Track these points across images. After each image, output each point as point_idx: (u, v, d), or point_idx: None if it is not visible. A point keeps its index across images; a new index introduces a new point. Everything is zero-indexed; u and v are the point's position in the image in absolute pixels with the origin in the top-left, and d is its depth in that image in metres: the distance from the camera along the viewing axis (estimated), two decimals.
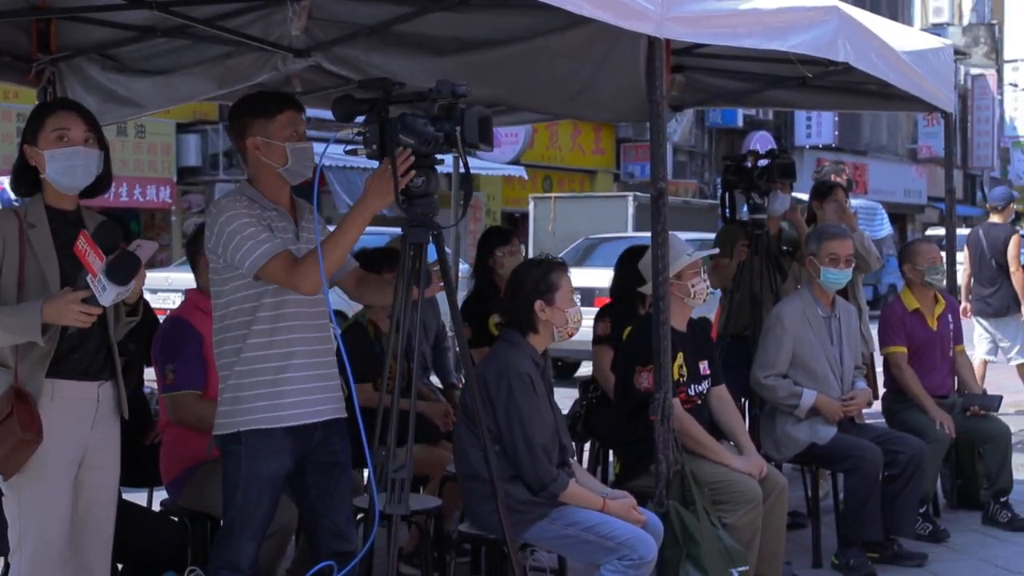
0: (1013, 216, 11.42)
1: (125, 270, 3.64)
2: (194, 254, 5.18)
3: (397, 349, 3.93)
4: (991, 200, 11.56)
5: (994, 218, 11.15)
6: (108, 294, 3.64)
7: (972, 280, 11.28)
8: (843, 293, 6.70)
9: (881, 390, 7.23)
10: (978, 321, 11.22)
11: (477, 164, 21.39)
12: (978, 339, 11.31)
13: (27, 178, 3.94)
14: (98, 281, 3.62)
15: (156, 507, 5.44)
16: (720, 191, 7.48)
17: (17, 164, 3.96)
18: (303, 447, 4.07)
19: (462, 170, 3.93)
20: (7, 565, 3.91)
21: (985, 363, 11.19)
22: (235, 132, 4.14)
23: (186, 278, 10.41)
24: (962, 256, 9.63)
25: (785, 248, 7.36)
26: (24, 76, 6.05)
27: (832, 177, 8.44)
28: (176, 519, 5.10)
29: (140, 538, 4.88)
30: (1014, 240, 10.92)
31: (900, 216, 38.11)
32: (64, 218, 3.93)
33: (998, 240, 10.96)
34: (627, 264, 6.38)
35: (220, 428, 4.07)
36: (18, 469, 3.76)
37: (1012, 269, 10.87)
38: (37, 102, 6.11)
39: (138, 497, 5.48)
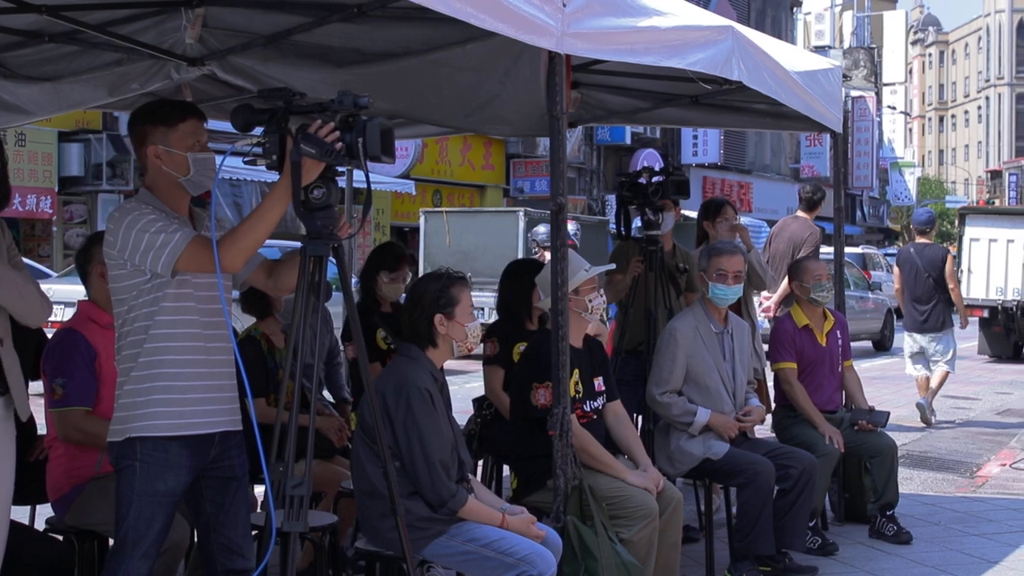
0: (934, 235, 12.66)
1: None
2: (86, 263, 5.05)
3: (296, 362, 3.85)
4: (917, 223, 12.59)
5: (922, 239, 12.28)
6: None
7: (905, 297, 12.24)
8: (736, 309, 6.78)
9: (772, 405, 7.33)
10: (911, 336, 12.26)
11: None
12: (909, 354, 12.32)
13: None
14: None
15: (40, 525, 5.28)
16: (615, 207, 7.52)
17: None
18: (200, 461, 3.98)
19: (364, 183, 3.88)
20: None
21: (946, 374, 12.26)
22: (135, 139, 4.04)
23: (69, 290, 10.18)
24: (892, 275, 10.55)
25: (680, 265, 7.43)
26: None
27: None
28: (61, 538, 4.96)
29: (25, 557, 4.72)
30: (949, 259, 12.18)
31: None
32: None
33: (935, 259, 12.12)
34: (512, 280, 6.38)
35: (114, 435, 3.96)
36: None
37: (950, 286, 12.11)
38: None
39: (20, 514, 5.31)
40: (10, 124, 6.40)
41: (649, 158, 30.74)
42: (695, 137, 34.70)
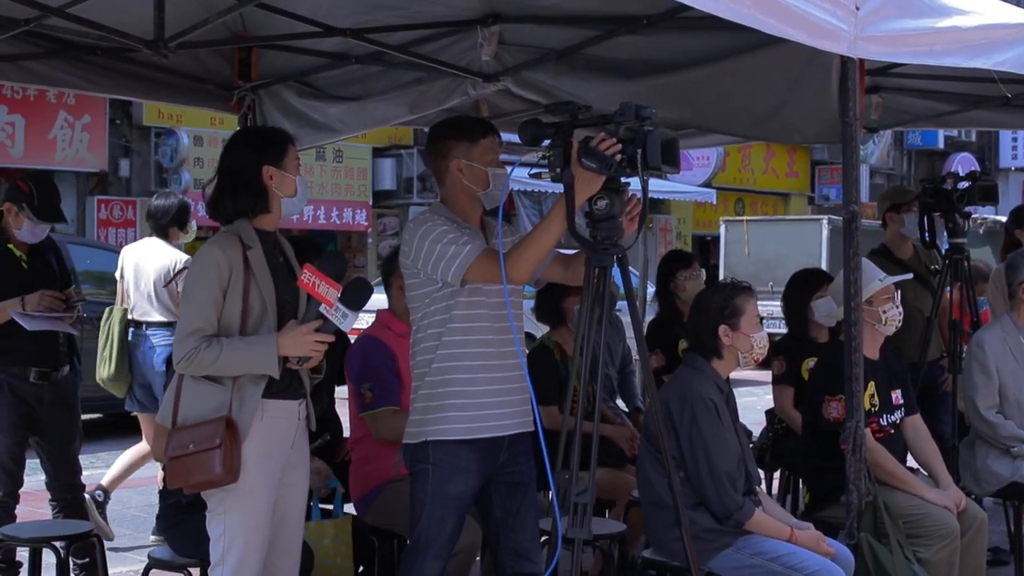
0: None
1: (361, 296, 3.80)
2: (389, 275, 5.29)
3: (582, 370, 3.91)
4: None
5: None
6: (349, 320, 3.80)
7: None
8: None
9: None
10: None
11: (667, 187, 21.27)
12: None
13: (264, 198, 3.99)
14: (335, 310, 3.77)
15: None
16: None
17: (251, 182, 3.97)
18: (489, 466, 4.10)
19: (661, 194, 3.90)
20: None
21: None
22: (437, 153, 4.20)
23: (378, 299, 10.66)
24: None
25: (932, 267, 7.12)
26: (226, 103, 6.29)
27: None
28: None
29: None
30: None
31: None
32: (269, 240, 4.05)
33: None
34: (794, 291, 6.27)
35: (409, 437, 4.13)
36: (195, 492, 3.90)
37: None
38: (238, 127, 6.36)
39: None
40: (319, 142, 6.76)
41: (964, 162, 29.41)
42: (1014, 139, 32.89)
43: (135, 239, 17.14)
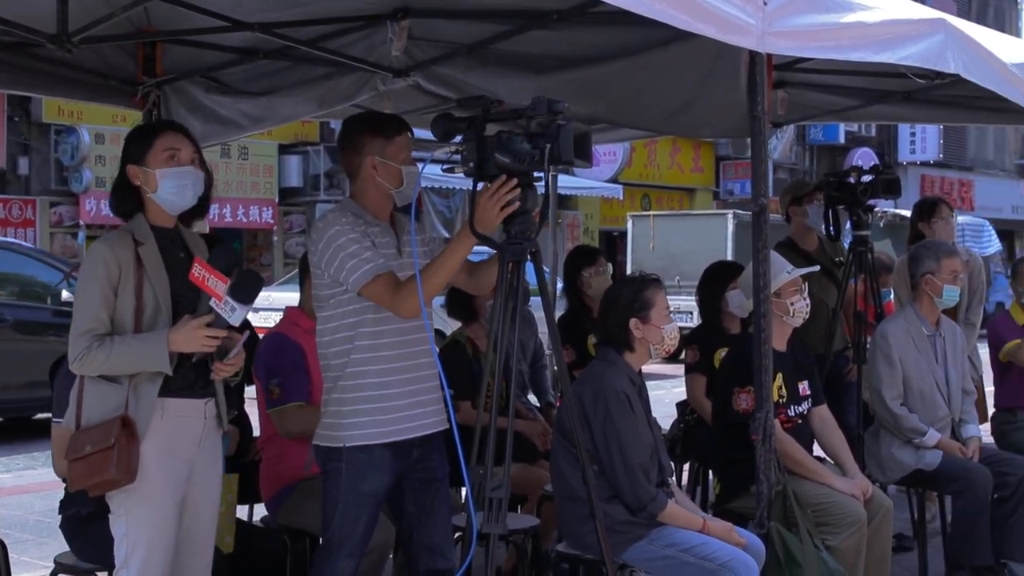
0: None
1: (251, 289, 3.74)
2: (305, 272, 5.25)
3: (495, 367, 3.91)
4: None
5: None
6: (237, 314, 3.72)
7: None
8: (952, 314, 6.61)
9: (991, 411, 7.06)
10: None
11: (574, 183, 21.36)
12: None
13: (131, 198, 3.97)
14: (224, 303, 3.70)
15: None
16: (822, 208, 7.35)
17: (120, 184, 3.98)
18: (402, 464, 4.09)
19: (568, 190, 3.91)
20: None
21: None
22: (351, 148, 4.17)
23: (286, 297, 10.53)
24: None
25: (836, 260, 7.27)
26: (130, 99, 6.18)
27: None
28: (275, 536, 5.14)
29: (252, 550, 4.92)
30: None
31: (1007, 233, 37.31)
32: (166, 235, 3.97)
33: None
34: (709, 283, 6.34)
35: (322, 440, 4.10)
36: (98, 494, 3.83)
37: None
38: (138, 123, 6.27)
39: (239, 514, 5.52)
40: (226, 138, 6.67)
41: (864, 157, 29.93)
42: (912, 134, 33.59)
43: (35, 239, 16.85)
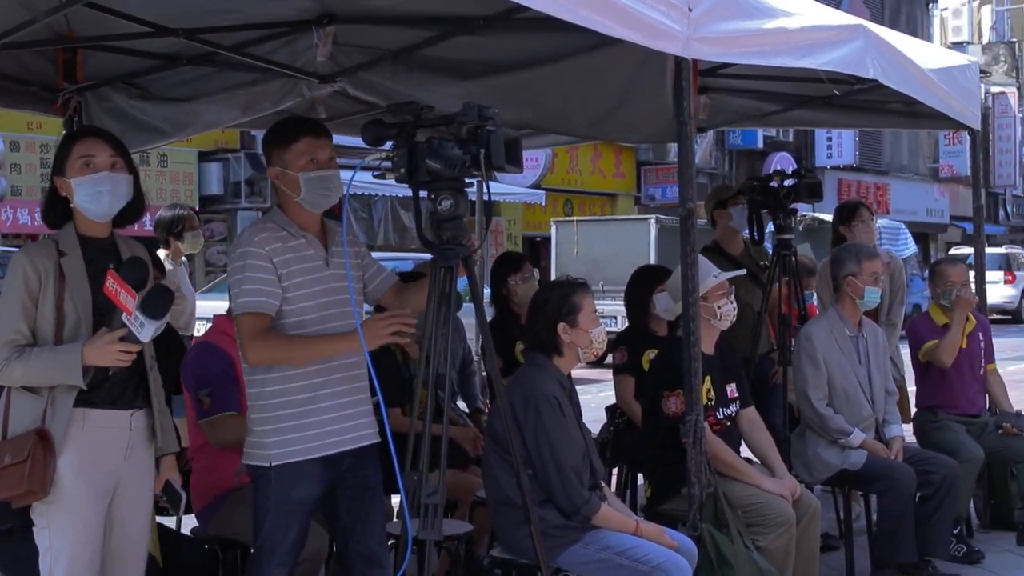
0: None
1: (160, 304, 3.66)
2: None
3: (428, 374, 3.90)
4: None
5: None
6: (147, 330, 3.65)
7: None
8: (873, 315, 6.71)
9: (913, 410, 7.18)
10: None
11: (497, 189, 21.29)
12: None
13: (59, 209, 3.93)
14: (134, 318, 3.63)
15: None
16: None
17: (48, 195, 3.95)
18: (333, 473, 4.06)
19: (485, 194, 3.92)
20: None
21: None
22: (266, 160, 4.17)
23: (209, 306, 10.44)
24: None
25: (762, 263, 7.37)
26: (51, 106, 6.07)
27: None
28: (207, 547, 5.08)
29: (176, 562, 4.86)
30: None
31: (923, 235, 37.99)
32: (98, 245, 3.92)
33: None
34: (637, 287, 6.38)
35: (249, 458, 4.07)
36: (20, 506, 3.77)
37: None
38: (64, 132, 6.16)
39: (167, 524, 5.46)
40: (149, 146, 6.57)
41: (782, 161, 30.31)
42: (829, 139, 34.09)
43: None
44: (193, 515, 5.14)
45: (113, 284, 3.65)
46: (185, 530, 5.33)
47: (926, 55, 6.64)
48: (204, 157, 19.89)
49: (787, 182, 6.95)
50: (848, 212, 7.62)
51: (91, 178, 3.84)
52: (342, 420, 4.06)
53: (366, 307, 4.47)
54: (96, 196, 3.85)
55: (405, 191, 3.91)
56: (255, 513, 4.06)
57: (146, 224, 4.48)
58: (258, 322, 3.94)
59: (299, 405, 3.98)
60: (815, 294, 7.71)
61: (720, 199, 7.34)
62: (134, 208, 4.00)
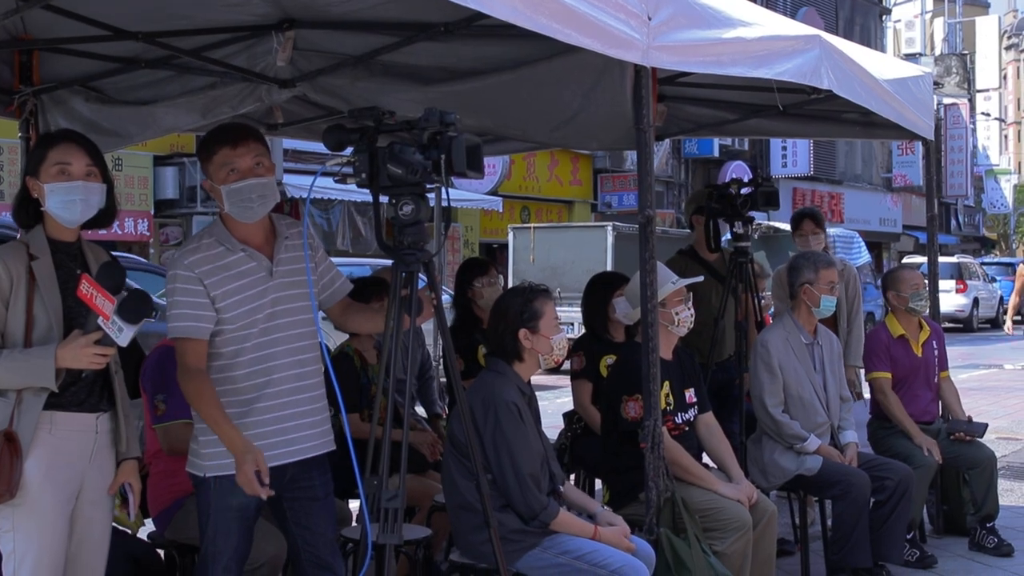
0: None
1: (139, 309, 3.66)
2: None
3: (388, 378, 3.90)
4: None
5: None
6: (125, 334, 3.65)
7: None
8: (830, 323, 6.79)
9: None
10: None
11: (454, 195, 21.13)
12: None
13: (29, 209, 3.91)
14: (112, 323, 3.62)
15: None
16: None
17: (20, 195, 3.93)
18: (275, 483, 3.96)
19: (444, 200, 3.93)
20: None
21: None
22: None
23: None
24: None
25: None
26: (6, 108, 6.02)
27: None
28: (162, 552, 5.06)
29: (130, 566, 4.84)
30: None
31: (876, 244, 38.38)
32: (65, 250, 3.91)
33: None
34: (595, 293, 6.41)
35: (190, 466, 4.10)
36: None
37: None
38: (19, 134, 6.11)
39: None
40: (107, 149, 6.48)
41: (738, 170, 30.56)
42: (784, 148, 34.40)
43: None
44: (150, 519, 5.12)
45: (88, 288, 3.63)
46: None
47: (880, 66, 6.70)
48: (159, 161, 19.80)
49: (744, 190, 7.01)
50: (794, 222, 7.77)
51: (64, 186, 3.83)
52: (277, 434, 4.02)
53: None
54: (68, 204, 3.84)
55: (363, 195, 3.90)
56: (199, 518, 4.08)
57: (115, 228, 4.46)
58: (188, 347, 3.94)
59: (232, 419, 3.94)
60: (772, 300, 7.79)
61: (700, 205, 7.37)
62: (105, 216, 3.99)
